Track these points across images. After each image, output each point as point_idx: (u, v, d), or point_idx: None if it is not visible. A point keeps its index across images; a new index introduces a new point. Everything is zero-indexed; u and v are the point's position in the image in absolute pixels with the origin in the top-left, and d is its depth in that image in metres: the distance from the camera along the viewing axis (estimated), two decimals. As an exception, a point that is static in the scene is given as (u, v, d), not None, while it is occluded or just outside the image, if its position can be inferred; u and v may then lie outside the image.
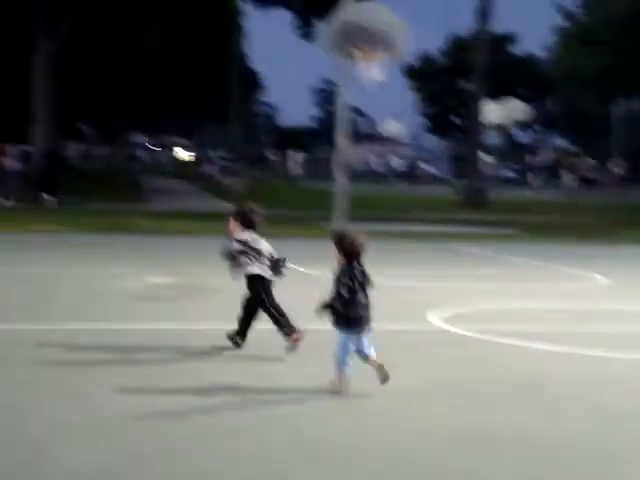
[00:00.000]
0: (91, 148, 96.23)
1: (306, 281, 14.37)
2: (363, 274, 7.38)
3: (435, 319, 11.18)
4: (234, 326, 8.93)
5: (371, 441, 6.21)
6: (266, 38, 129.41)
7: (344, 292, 7.25)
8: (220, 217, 26.55)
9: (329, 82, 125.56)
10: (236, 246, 8.82)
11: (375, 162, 66.26)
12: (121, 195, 35.95)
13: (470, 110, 41.52)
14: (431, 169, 70.48)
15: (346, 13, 20.30)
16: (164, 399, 7.05)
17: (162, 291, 12.84)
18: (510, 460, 5.89)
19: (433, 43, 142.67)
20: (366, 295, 7.36)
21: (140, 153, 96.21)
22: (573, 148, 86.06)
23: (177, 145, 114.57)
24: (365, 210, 28.95)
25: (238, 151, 59.76)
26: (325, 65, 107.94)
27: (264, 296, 8.75)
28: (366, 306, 7.34)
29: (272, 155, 74.08)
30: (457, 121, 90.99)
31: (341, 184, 22.06)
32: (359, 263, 7.40)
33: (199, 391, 7.29)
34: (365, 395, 7.28)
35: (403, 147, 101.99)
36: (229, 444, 6.02)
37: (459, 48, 76.06)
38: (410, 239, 23.67)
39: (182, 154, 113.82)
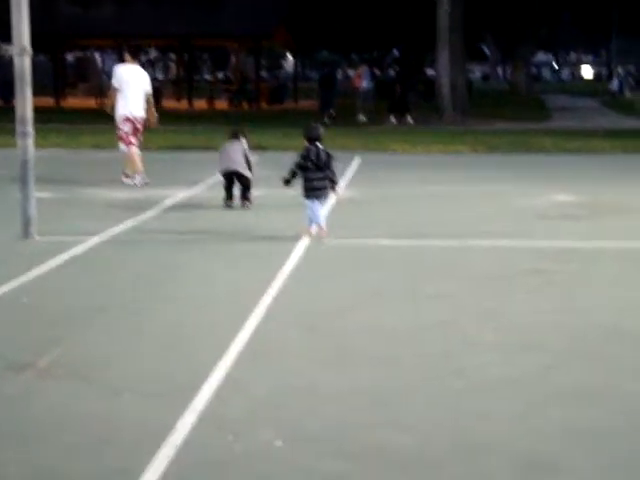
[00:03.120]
0: (493, 69, 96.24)
1: None
2: (318, 155, 9.61)
3: None
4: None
5: None
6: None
7: (296, 169, 9.77)
8: (626, 134, 25.65)
9: None
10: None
11: None
12: (525, 115, 35.59)
13: None
14: None
15: None
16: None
17: (570, 209, 12.52)
18: None
19: None
20: (321, 171, 9.60)
21: (544, 72, 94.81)
22: None
23: (582, 62, 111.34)
24: None
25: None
26: None
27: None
28: (319, 179, 9.61)
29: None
30: None
31: None
32: (316, 146, 9.66)
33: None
34: None
35: None
36: None
37: None
38: None
39: (587, 71, 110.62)
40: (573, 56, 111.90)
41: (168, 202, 12.91)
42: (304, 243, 9.83)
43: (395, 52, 64.26)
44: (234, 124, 28.84)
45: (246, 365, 5.81)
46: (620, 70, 64.09)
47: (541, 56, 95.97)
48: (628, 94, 53.12)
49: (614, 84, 58.86)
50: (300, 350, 6.13)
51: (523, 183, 15.44)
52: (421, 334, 6.54)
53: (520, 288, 7.95)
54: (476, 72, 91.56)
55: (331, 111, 30.15)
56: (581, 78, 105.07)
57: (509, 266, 8.83)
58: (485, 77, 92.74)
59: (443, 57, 32.64)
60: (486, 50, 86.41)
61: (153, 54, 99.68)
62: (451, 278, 8.32)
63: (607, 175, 16.92)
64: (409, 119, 30.72)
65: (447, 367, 5.80)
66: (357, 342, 6.33)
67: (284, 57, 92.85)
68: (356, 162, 18.31)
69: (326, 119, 29.14)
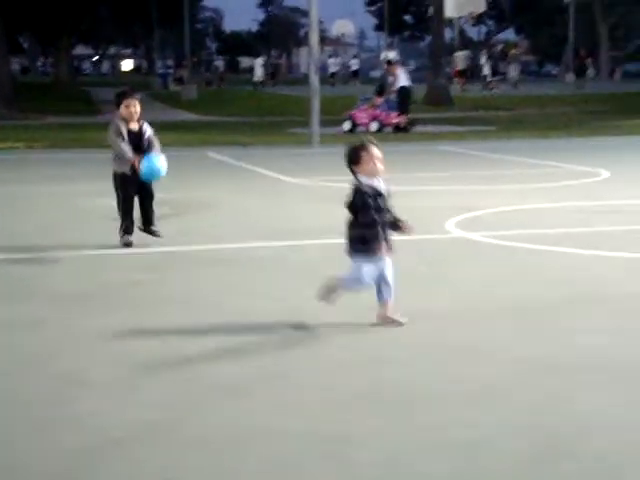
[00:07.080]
0: (32, 62, 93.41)
1: (290, 189, 13.64)
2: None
3: (449, 226, 10.23)
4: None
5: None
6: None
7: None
8: (179, 127, 25.44)
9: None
10: None
11: (330, 63, 64.31)
12: (74, 109, 34.44)
13: (434, 3, 39.20)
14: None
15: None
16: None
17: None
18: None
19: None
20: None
21: (84, 65, 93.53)
22: (518, 40, 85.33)
23: (122, 55, 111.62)
24: (333, 114, 27.78)
25: (186, 58, 57.70)
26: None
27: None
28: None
29: (220, 61, 71.98)
30: (408, 19, 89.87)
31: (314, 88, 21.01)
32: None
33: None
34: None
35: (353, 48, 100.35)
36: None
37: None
38: (387, 141, 22.57)
39: (127, 64, 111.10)
40: (113, 49, 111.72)
41: None
42: None
43: None
44: None
45: None
46: (160, 63, 64.77)
47: (81, 49, 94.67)
48: (172, 87, 53.76)
49: (155, 77, 59.19)
50: None
51: (86, 182, 14.35)
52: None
53: (114, 305, 6.98)
54: (14, 65, 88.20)
55: None
56: (121, 71, 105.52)
57: (106, 279, 7.83)
58: (25, 70, 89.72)
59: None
60: (25, 43, 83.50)
61: None
62: (33, 297, 7.16)
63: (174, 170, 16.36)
64: None
65: (60, 416, 4.74)
66: None
67: None
68: None
69: None
